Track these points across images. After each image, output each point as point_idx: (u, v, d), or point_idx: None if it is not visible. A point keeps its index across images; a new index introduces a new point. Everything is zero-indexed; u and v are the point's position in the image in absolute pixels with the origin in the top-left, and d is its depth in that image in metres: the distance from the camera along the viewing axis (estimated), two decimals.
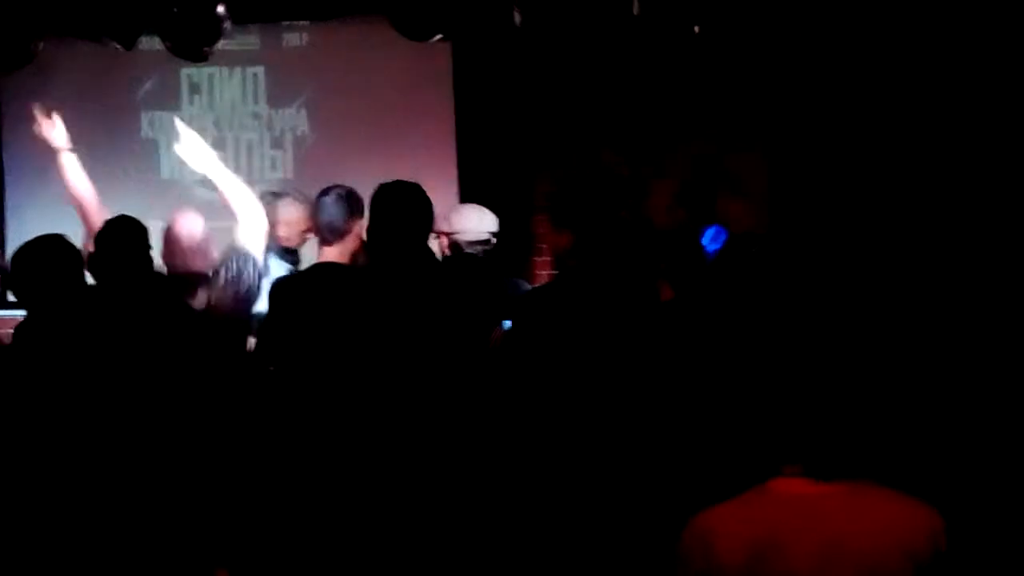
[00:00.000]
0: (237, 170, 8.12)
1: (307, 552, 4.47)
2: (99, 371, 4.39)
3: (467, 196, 7.64)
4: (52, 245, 4.73)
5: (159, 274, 5.27)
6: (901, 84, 7.08)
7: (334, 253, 5.23)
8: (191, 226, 5.66)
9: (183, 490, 4.30)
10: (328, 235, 5.24)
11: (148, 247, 4.96)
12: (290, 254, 6.29)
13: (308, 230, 6.06)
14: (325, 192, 5.32)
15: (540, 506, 4.34)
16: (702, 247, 5.32)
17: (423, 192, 4.92)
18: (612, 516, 4.31)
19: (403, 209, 4.85)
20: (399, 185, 4.92)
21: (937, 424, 4.89)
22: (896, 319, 5.41)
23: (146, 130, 8.34)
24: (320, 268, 5.21)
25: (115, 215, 5.12)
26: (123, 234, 4.90)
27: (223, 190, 5.80)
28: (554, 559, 4.30)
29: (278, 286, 5.20)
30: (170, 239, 5.64)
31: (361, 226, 5.30)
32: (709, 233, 6.19)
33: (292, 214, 6.28)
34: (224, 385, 4.81)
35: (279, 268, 6.06)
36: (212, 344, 4.91)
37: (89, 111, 8.17)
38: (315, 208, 5.36)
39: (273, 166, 8.28)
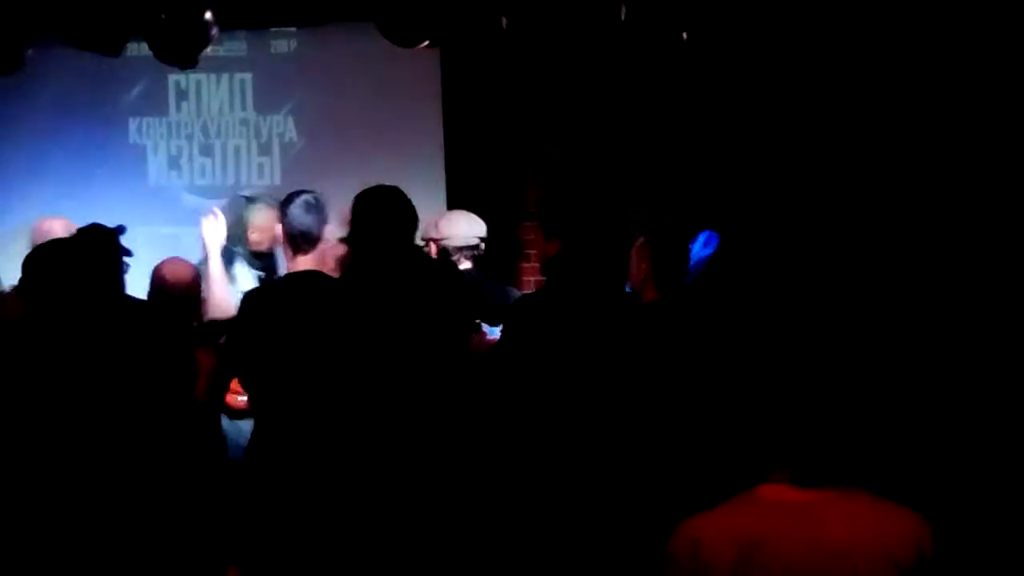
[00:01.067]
0: (225, 176, 8.16)
1: (307, 555, 4.47)
2: (93, 373, 4.39)
3: (455, 202, 7.65)
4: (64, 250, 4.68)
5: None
6: (892, 87, 7.09)
7: (309, 262, 5.08)
8: (181, 272, 5.68)
9: (184, 490, 4.29)
10: (303, 243, 5.07)
11: (120, 256, 4.90)
12: (260, 259, 6.27)
13: None
14: (290, 199, 5.15)
15: (530, 511, 4.35)
16: (688, 251, 5.32)
17: (405, 195, 4.90)
18: (601, 522, 4.32)
19: (389, 213, 4.83)
20: (383, 190, 4.90)
21: (924, 431, 4.90)
22: (883, 326, 5.43)
23: (134, 136, 8.33)
24: (302, 277, 5.08)
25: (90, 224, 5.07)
26: (95, 243, 4.83)
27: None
28: (544, 563, 4.31)
29: (254, 297, 5.09)
30: (157, 284, 5.63)
31: (331, 232, 5.30)
32: (701, 238, 6.20)
33: (264, 219, 6.28)
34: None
35: (247, 274, 6.06)
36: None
37: (77, 117, 8.19)
38: (284, 216, 5.13)
39: (260, 172, 8.27)
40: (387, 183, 4.94)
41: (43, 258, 4.49)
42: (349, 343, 4.67)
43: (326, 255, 5.38)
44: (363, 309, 4.72)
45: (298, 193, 5.19)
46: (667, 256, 5.13)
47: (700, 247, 5.88)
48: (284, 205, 5.15)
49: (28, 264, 4.48)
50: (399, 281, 4.75)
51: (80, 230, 4.98)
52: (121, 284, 4.80)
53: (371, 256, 4.81)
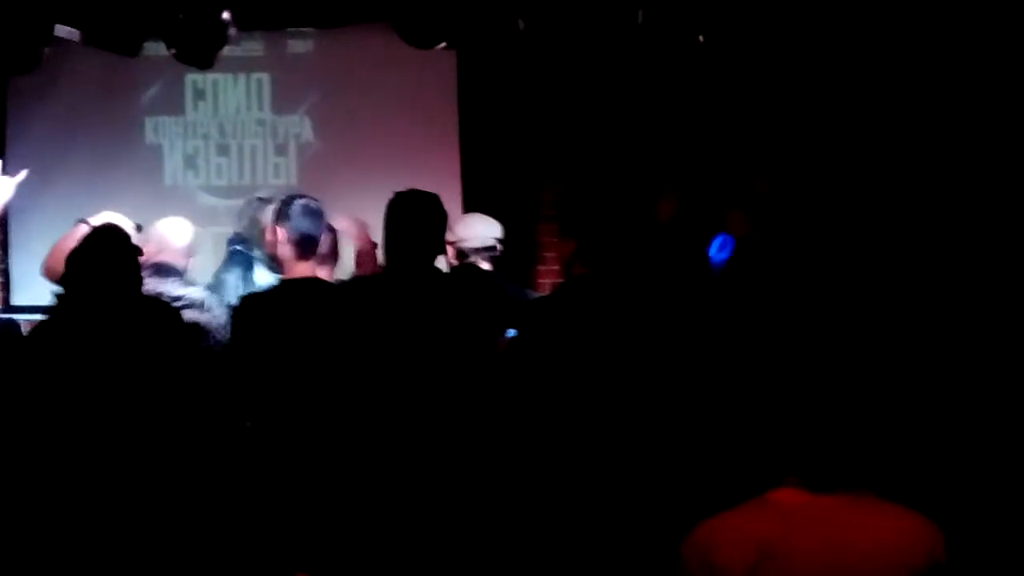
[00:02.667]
0: (241, 176, 8.18)
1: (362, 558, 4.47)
2: (107, 376, 4.40)
3: (471, 204, 7.65)
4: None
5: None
6: (910, 90, 7.08)
7: (308, 268, 5.06)
8: (182, 231, 5.92)
9: (197, 491, 4.31)
10: (305, 249, 5.04)
11: (135, 255, 4.91)
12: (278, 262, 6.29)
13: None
14: (288, 203, 5.10)
15: (545, 513, 4.35)
16: (706, 254, 5.32)
17: (440, 202, 4.90)
18: (615, 525, 4.32)
19: (426, 219, 4.82)
20: (420, 194, 4.88)
21: (937, 437, 4.89)
22: (895, 332, 5.41)
23: (150, 136, 8.35)
24: (306, 284, 5.03)
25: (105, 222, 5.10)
26: (108, 243, 4.86)
27: None
28: (558, 566, 4.31)
29: (253, 306, 5.03)
30: (157, 239, 5.81)
31: (329, 238, 5.32)
32: (716, 242, 6.18)
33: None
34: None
35: (267, 277, 6.06)
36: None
37: (94, 116, 8.21)
38: (285, 221, 5.05)
39: (277, 172, 8.28)
40: (403, 184, 4.94)
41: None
42: (377, 351, 4.66)
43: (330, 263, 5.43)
44: (393, 315, 4.71)
45: (294, 198, 5.17)
46: (686, 260, 5.12)
47: (715, 251, 5.87)
48: (283, 209, 5.09)
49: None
50: (427, 287, 4.75)
51: (94, 230, 5.00)
52: (136, 283, 4.81)
53: (407, 262, 4.78)
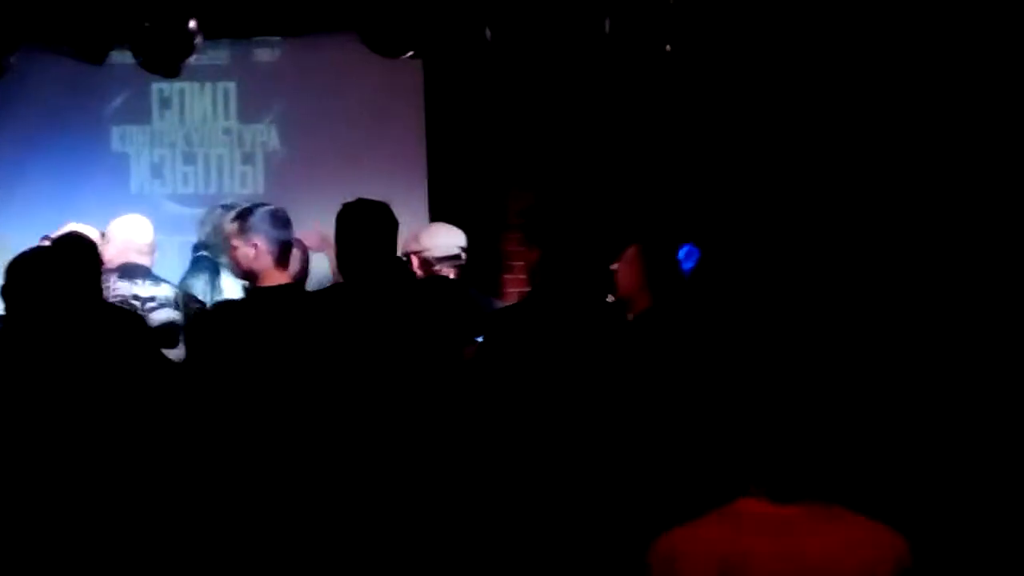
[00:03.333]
0: (208, 185, 8.15)
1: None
2: (69, 380, 4.38)
3: (437, 213, 7.65)
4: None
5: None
6: (878, 97, 7.11)
7: (286, 276, 5.02)
8: (143, 228, 5.88)
9: (164, 497, 4.30)
10: (286, 255, 5.00)
11: (98, 264, 4.89)
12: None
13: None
14: (250, 213, 5.01)
15: (510, 520, 4.35)
16: (677, 260, 5.33)
17: (390, 210, 4.89)
18: (580, 533, 4.32)
19: (375, 227, 4.82)
20: (369, 204, 4.89)
21: (901, 446, 4.91)
22: (860, 342, 5.44)
23: (116, 144, 8.31)
24: (289, 291, 5.01)
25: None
26: (73, 251, 4.83)
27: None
28: (522, 571, 4.31)
29: (230, 314, 5.02)
30: (120, 240, 5.72)
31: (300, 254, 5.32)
32: (682, 251, 6.21)
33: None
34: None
35: (234, 284, 6.06)
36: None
37: (60, 124, 8.17)
38: (257, 231, 4.93)
39: (243, 182, 8.26)
40: (369, 193, 4.94)
41: (22, 267, 4.49)
42: (335, 361, 4.65)
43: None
44: (348, 326, 4.70)
45: (257, 207, 5.09)
46: (661, 265, 5.13)
47: (682, 259, 5.89)
48: (253, 222, 4.96)
49: (9, 271, 4.48)
50: (388, 296, 4.74)
51: (58, 239, 4.97)
52: (99, 291, 4.79)
53: (361, 270, 4.78)
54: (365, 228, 4.79)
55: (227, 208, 6.29)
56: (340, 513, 4.46)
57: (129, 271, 5.79)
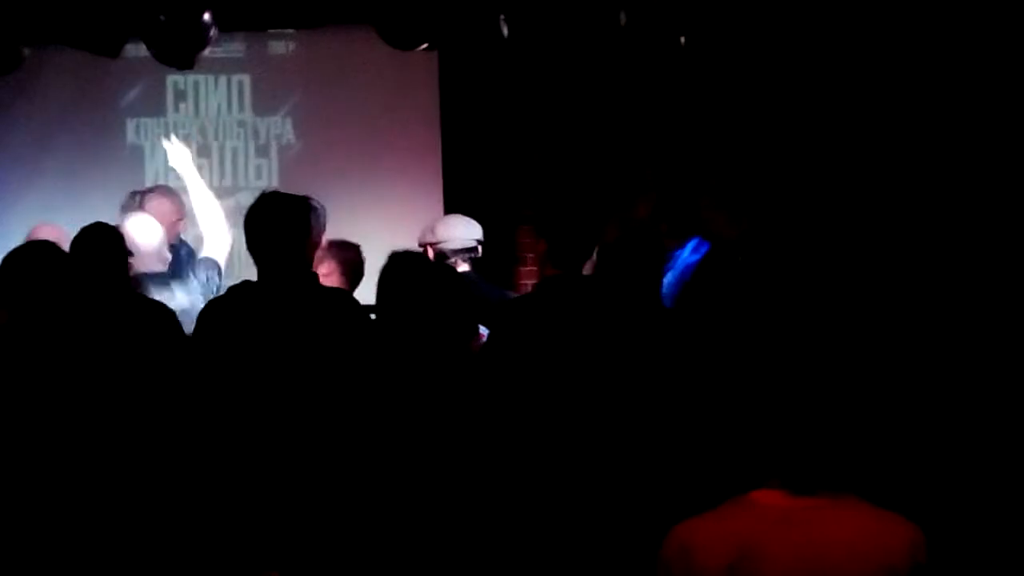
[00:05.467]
0: (222, 178, 8.16)
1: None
2: (87, 371, 4.38)
3: (452, 205, 7.65)
4: (40, 252, 4.66)
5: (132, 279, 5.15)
6: (891, 91, 7.10)
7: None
8: (147, 229, 5.66)
9: (178, 491, 4.29)
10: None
11: (125, 254, 4.89)
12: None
13: (180, 220, 6.36)
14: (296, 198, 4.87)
15: (521, 514, 4.34)
16: (662, 256, 5.27)
17: (305, 205, 4.70)
18: (592, 525, 4.31)
19: (282, 222, 4.62)
20: (278, 197, 4.73)
21: (917, 438, 4.90)
22: (879, 334, 5.42)
23: (132, 137, 8.33)
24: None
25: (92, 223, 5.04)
26: (99, 241, 4.83)
27: (196, 202, 5.88)
28: (533, 567, 4.30)
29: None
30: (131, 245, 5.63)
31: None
32: (691, 244, 6.19)
33: (165, 212, 6.28)
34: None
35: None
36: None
37: (75, 117, 8.19)
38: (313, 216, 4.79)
39: (258, 174, 8.27)
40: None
41: (22, 259, 4.51)
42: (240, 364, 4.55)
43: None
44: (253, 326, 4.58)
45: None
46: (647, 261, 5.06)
47: (689, 253, 5.87)
48: (304, 205, 4.78)
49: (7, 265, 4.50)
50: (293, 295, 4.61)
51: (83, 229, 4.96)
52: (125, 281, 4.80)
53: (269, 266, 4.64)
54: (272, 223, 4.61)
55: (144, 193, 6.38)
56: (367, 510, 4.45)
57: (143, 283, 5.50)
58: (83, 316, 4.52)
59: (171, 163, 6.26)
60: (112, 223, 5.72)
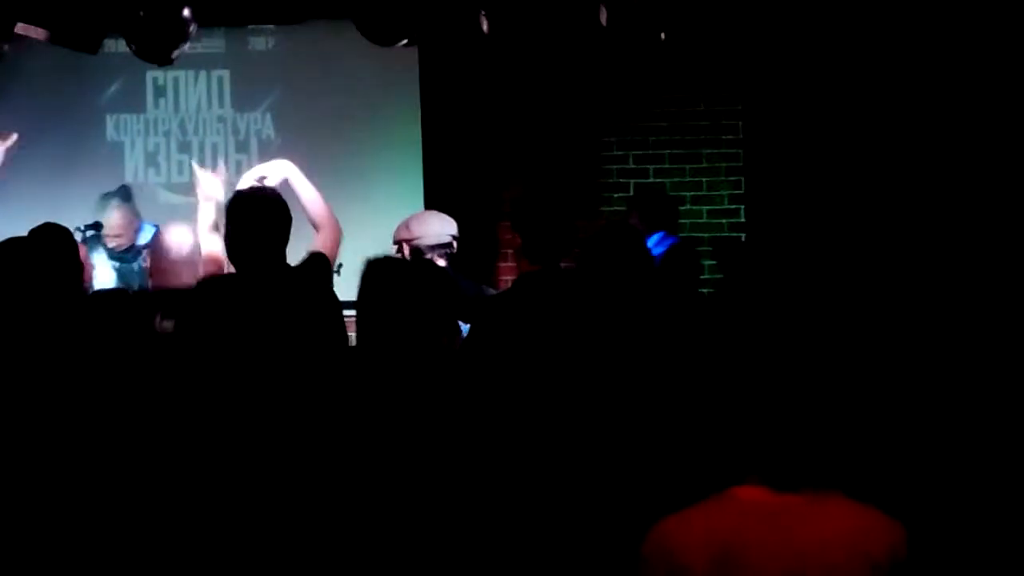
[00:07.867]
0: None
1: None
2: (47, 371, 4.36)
3: (432, 201, 7.65)
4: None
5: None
6: (876, 85, 7.12)
7: None
8: (179, 239, 5.59)
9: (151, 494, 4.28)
10: None
11: (76, 254, 4.85)
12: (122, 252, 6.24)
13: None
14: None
15: (500, 511, 4.34)
16: (643, 250, 5.28)
17: (283, 202, 4.80)
18: (573, 522, 4.31)
19: (264, 219, 4.73)
20: (258, 194, 4.84)
21: (899, 434, 4.91)
22: (860, 329, 5.44)
23: (111, 133, 8.32)
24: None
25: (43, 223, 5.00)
26: (49, 243, 4.80)
27: (304, 199, 5.56)
28: (515, 565, 4.30)
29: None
30: (157, 253, 5.57)
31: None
32: (654, 237, 6.22)
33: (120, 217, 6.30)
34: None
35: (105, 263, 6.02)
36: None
37: (54, 113, 8.17)
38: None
39: (238, 170, 8.24)
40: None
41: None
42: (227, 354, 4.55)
43: None
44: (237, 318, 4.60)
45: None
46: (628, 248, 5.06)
47: (652, 246, 5.89)
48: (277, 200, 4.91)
49: None
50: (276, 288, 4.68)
51: (33, 230, 4.91)
52: (77, 280, 4.77)
53: (249, 262, 4.72)
54: (254, 219, 4.71)
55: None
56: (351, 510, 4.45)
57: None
58: (43, 315, 4.48)
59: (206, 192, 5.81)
60: (91, 220, 5.73)
